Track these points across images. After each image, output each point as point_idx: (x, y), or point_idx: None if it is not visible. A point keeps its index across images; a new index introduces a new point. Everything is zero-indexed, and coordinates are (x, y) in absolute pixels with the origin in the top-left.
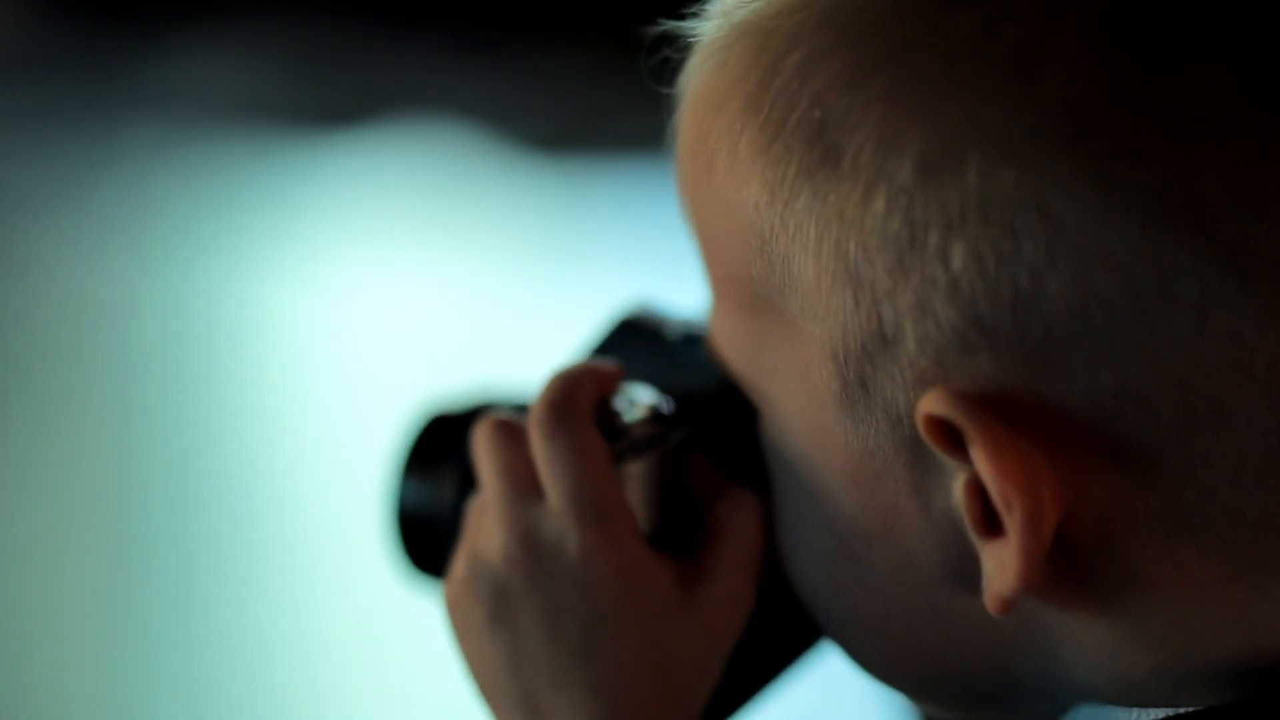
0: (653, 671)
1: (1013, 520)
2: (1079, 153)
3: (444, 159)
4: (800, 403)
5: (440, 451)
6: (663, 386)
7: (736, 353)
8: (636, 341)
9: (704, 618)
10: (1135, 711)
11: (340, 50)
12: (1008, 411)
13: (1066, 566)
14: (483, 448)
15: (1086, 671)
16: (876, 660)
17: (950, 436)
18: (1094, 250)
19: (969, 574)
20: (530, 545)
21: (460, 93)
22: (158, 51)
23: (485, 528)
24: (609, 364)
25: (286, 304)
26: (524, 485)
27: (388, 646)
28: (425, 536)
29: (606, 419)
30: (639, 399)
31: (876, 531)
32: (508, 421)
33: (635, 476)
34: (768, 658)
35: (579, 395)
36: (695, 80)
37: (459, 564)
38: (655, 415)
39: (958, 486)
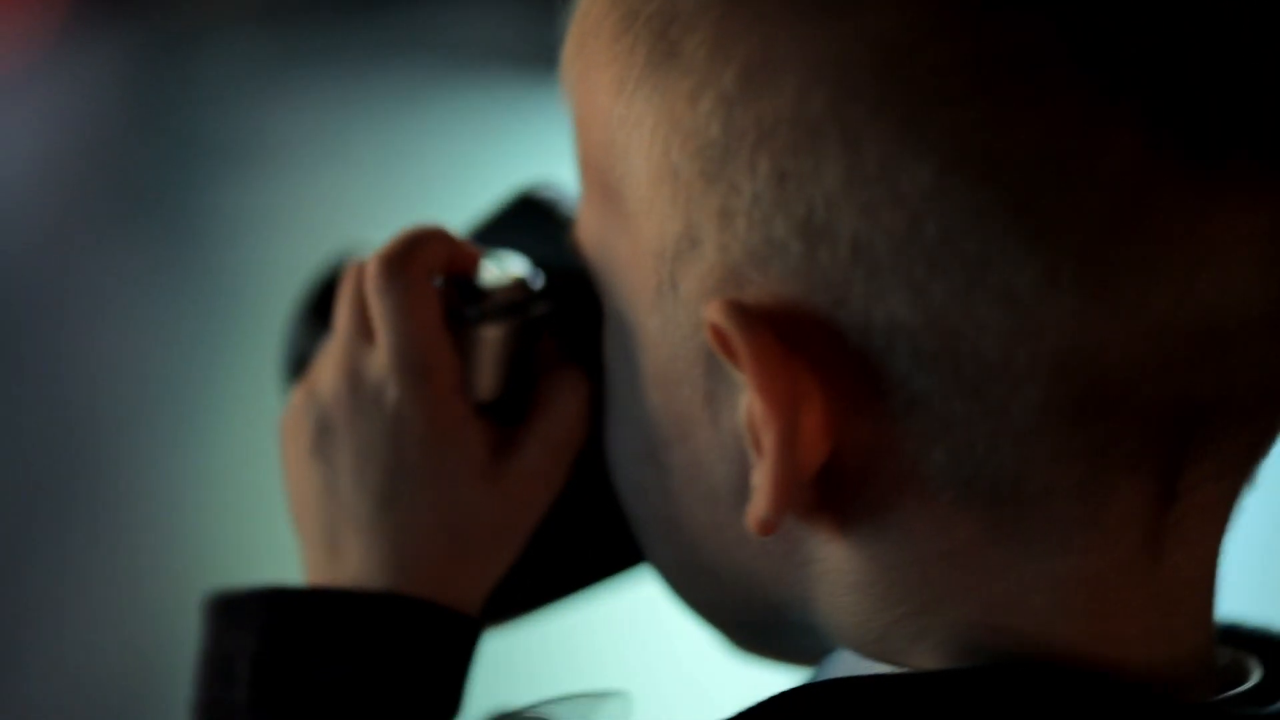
0: (447, 531)
1: (768, 438)
2: (886, 84)
3: None
4: (627, 297)
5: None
6: (537, 263)
7: (590, 241)
8: (529, 217)
9: (507, 488)
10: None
11: None
12: (789, 333)
13: (833, 498)
14: (344, 289)
15: (835, 613)
16: (669, 571)
17: (732, 355)
18: (887, 186)
19: (746, 496)
20: (355, 387)
21: None
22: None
23: (325, 364)
24: (468, 240)
25: None
26: (364, 331)
27: None
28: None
29: (463, 282)
30: (511, 269)
31: (674, 437)
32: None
33: (485, 341)
34: (583, 557)
35: (418, 253)
36: None
37: (298, 393)
38: (521, 287)
39: (742, 403)
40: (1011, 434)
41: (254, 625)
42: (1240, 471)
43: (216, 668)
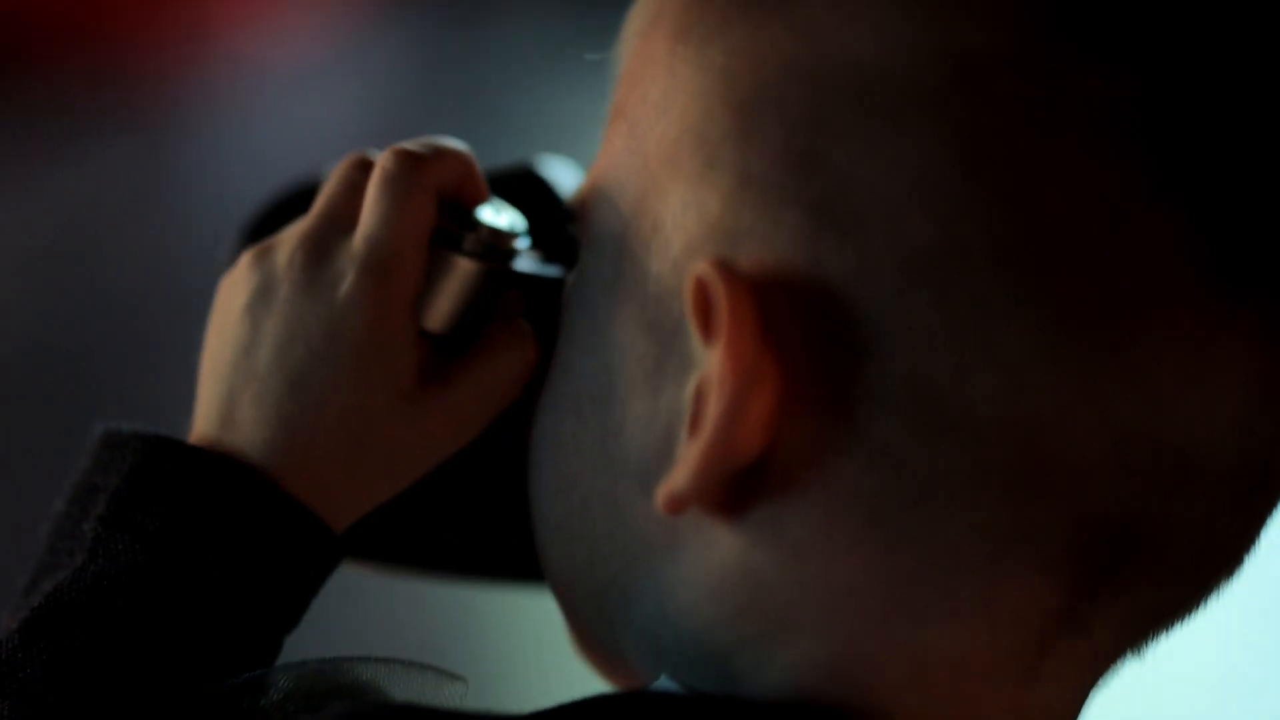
0: (345, 437)
1: (715, 409)
2: (951, 96)
3: None
4: (614, 248)
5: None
6: (530, 224)
7: (596, 190)
8: (528, 186)
9: (419, 417)
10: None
11: None
12: (768, 310)
13: (740, 495)
14: (335, 172)
15: (686, 618)
16: (546, 528)
17: (705, 315)
18: (919, 195)
19: (655, 475)
20: (312, 262)
21: None
22: None
23: (290, 232)
24: (482, 175)
25: None
26: (343, 216)
27: None
28: None
29: (460, 210)
30: (505, 218)
31: (605, 396)
32: (370, 162)
33: (456, 270)
34: (460, 531)
35: (437, 164)
36: None
37: (251, 253)
38: (510, 235)
39: (692, 382)
40: (949, 487)
41: (124, 465)
42: (1139, 631)
43: (78, 496)
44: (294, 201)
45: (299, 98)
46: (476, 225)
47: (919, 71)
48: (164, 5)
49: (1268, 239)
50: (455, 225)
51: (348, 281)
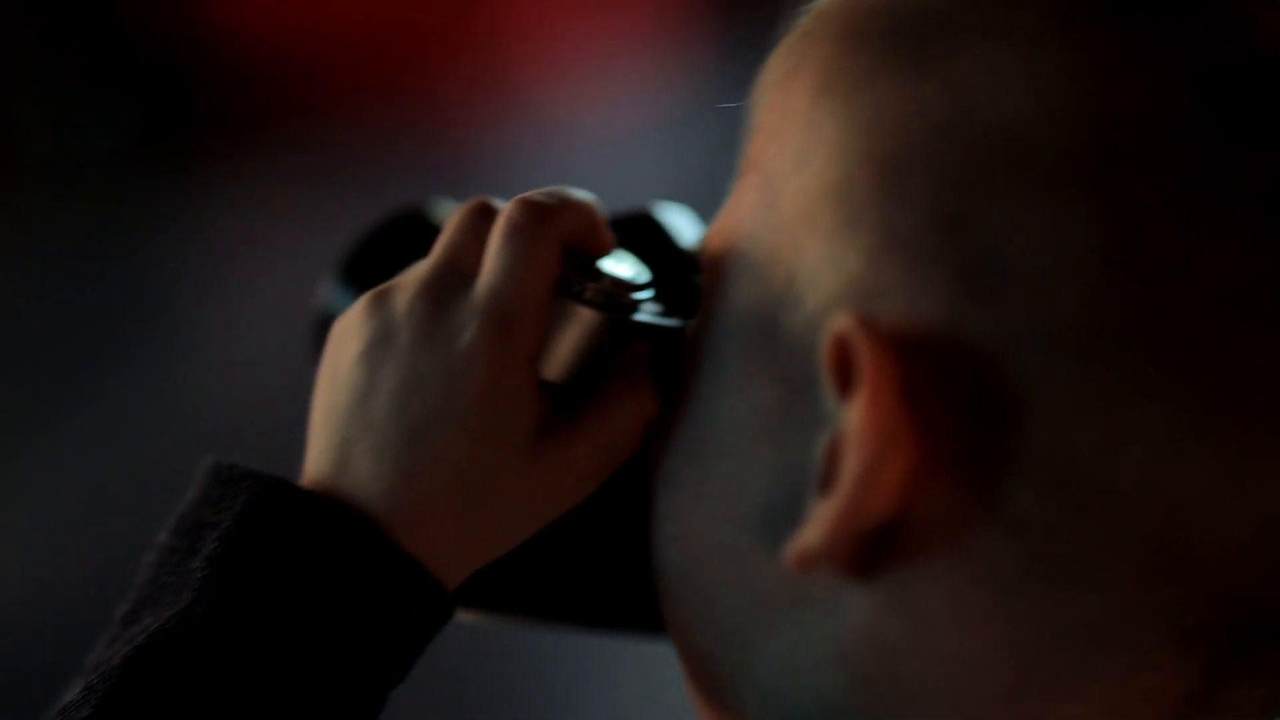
0: (464, 492)
1: (851, 468)
2: (1113, 164)
3: None
4: (744, 300)
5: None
6: (653, 274)
7: (724, 243)
8: (649, 233)
9: (540, 469)
10: None
11: None
12: (908, 370)
13: (870, 561)
14: (455, 218)
15: (804, 682)
16: (667, 576)
17: (842, 372)
18: (1071, 265)
19: (779, 530)
20: (433, 311)
21: None
22: None
23: (409, 278)
24: (607, 225)
25: None
26: (464, 264)
27: None
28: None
29: (583, 258)
30: (629, 267)
31: (729, 445)
32: (492, 208)
33: (577, 320)
34: (578, 583)
35: (563, 214)
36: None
37: (368, 297)
38: (634, 286)
39: (823, 438)
40: (1087, 562)
41: (236, 504)
42: (1266, 715)
43: (185, 531)
44: (393, 232)
45: (610, 164)
46: (600, 275)
47: (1075, 137)
48: (470, 59)
49: None
50: (579, 275)
51: (469, 333)
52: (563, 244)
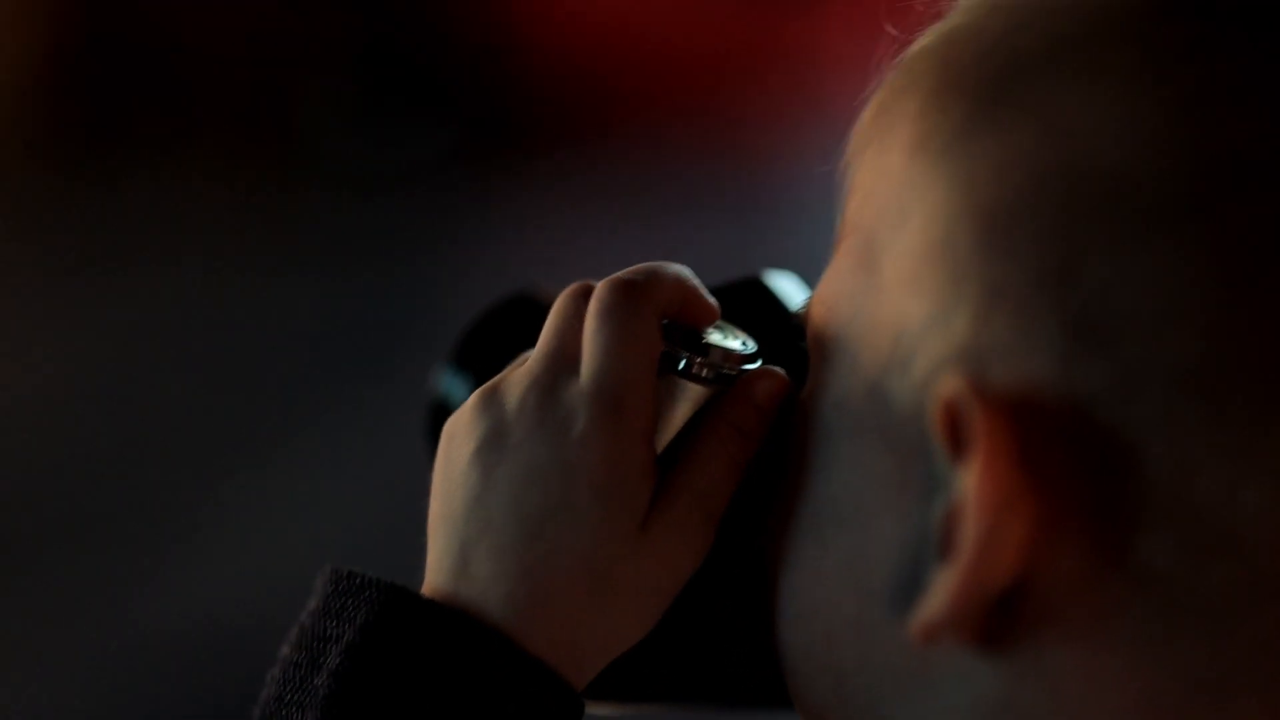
0: (588, 581)
1: (970, 536)
2: (1225, 221)
3: None
4: (849, 368)
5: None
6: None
7: (826, 309)
8: (757, 299)
9: (650, 542)
10: None
11: None
12: (1022, 431)
13: (999, 626)
14: (556, 306)
15: None
16: (792, 657)
17: (954, 436)
18: (1184, 314)
19: (903, 601)
20: (543, 404)
21: None
22: None
23: (517, 374)
24: (710, 297)
25: None
26: (569, 351)
27: None
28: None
29: (687, 330)
30: (735, 337)
31: (847, 518)
32: (592, 290)
33: (687, 396)
34: (713, 655)
35: (656, 289)
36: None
37: (478, 395)
38: (740, 356)
39: (940, 504)
40: (1220, 606)
41: (358, 616)
42: None
43: (309, 645)
44: (504, 316)
45: None
46: (706, 348)
47: (1180, 174)
48: (779, 80)
49: None
50: (683, 349)
51: (581, 420)
52: (661, 318)
